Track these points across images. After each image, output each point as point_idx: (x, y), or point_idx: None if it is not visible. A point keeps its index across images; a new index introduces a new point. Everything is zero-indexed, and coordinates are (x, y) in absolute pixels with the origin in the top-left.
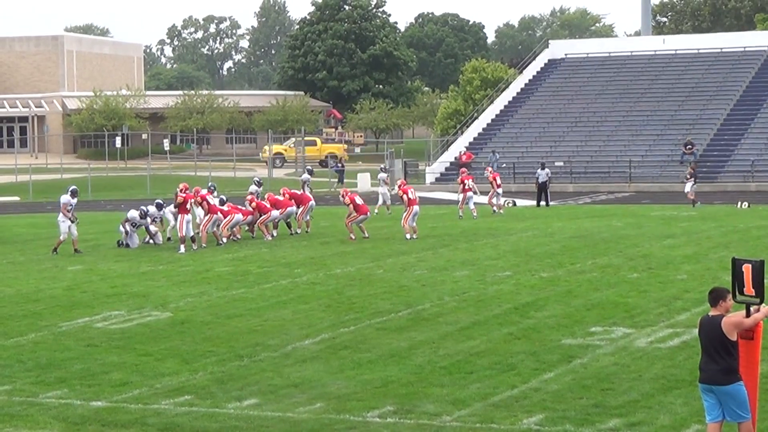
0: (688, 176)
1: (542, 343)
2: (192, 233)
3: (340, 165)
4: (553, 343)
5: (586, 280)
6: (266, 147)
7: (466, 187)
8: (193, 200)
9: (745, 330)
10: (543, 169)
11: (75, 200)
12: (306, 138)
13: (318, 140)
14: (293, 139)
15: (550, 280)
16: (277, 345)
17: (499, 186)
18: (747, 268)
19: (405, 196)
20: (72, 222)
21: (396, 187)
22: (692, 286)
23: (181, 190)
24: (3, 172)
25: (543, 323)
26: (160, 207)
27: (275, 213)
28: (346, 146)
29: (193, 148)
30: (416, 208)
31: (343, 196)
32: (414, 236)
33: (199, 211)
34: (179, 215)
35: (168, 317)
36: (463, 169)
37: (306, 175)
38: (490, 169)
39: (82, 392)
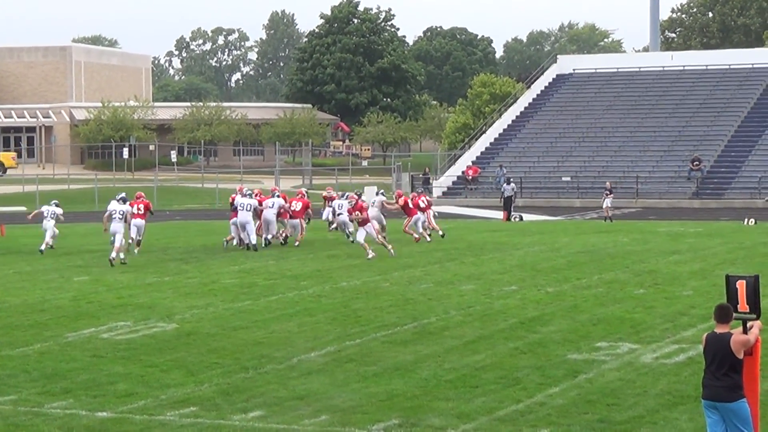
0: (607, 192)
1: (548, 358)
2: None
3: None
4: (559, 358)
5: (592, 295)
6: None
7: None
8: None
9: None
10: (508, 184)
11: (125, 206)
12: None
13: None
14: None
15: (556, 295)
16: (282, 357)
17: (427, 207)
18: (741, 285)
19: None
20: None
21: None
22: (698, 302)
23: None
24: (10, 182)
25: (549, 338)
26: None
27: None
28: (14, 155)
29: (200, 160)
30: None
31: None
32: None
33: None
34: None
35: (174, 328)
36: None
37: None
38: (414, 194)
39: (87, 403)
